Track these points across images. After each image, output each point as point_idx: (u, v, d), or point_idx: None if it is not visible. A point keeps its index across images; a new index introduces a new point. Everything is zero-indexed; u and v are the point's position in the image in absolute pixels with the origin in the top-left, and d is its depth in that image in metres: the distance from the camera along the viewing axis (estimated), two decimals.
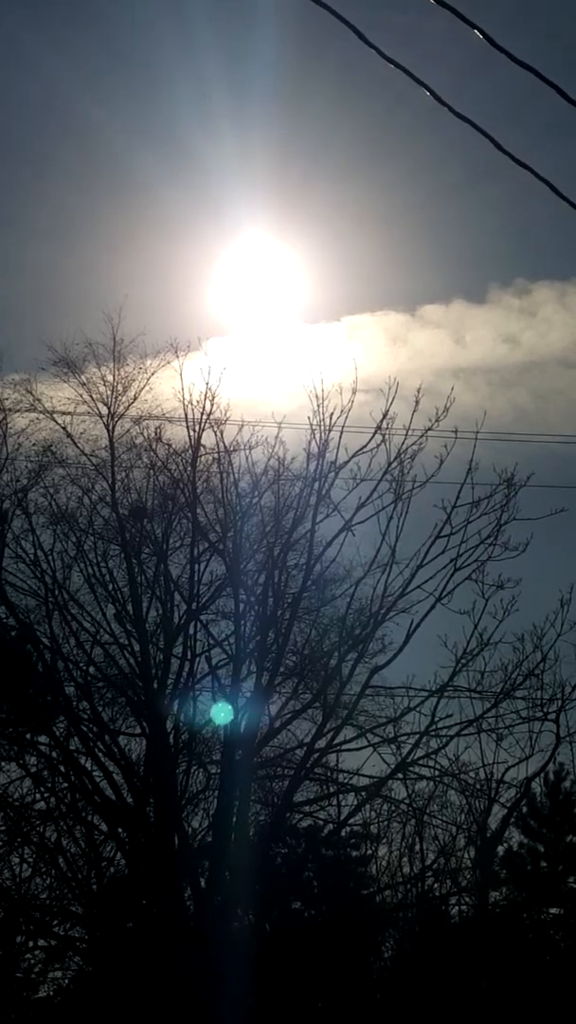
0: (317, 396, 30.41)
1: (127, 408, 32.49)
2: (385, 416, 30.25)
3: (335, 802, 34.39)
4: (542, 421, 65.41)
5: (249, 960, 29.23)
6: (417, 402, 30.44)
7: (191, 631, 31.54)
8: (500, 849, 38.81)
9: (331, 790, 33.48)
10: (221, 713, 30.44)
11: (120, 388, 32.53)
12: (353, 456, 30.27)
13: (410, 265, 65.22)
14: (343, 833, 35.52)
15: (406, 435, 30.32)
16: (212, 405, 30.79)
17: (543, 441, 40.65)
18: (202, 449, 31.14)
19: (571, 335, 66.89)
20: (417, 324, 60.06)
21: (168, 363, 32.20)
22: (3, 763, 31.47)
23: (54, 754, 31.43)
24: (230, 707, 30.30)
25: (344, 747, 31.72)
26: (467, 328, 62.80)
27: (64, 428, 32.66)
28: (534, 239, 68.44)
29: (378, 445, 30.30)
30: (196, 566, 31.44)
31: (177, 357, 31.95)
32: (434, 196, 65.10)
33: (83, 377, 32.67)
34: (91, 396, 32.50)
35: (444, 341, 60.51)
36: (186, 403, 30.96)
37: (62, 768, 31.26)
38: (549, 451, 39.65)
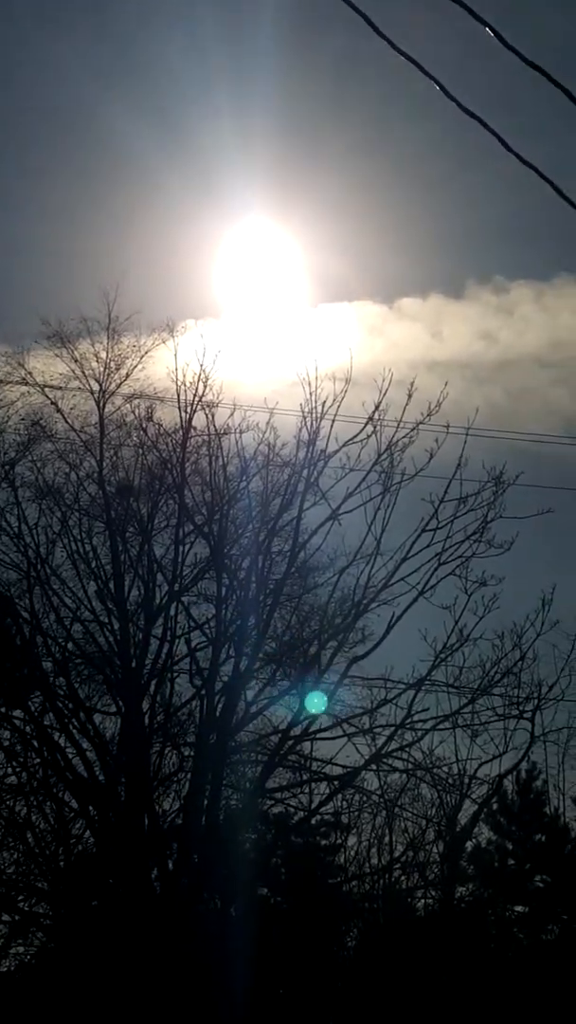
0: (309, 384, 30.35)
1: (119, 386, 32.43)
2: (377, 407, 30.20)
3: (307, 790, 34.44)
4: (515, 419, 65.83)
5: (213, 944, 29.24)
6: (409, 395, 30.38)
7: (172, 612, 31.49)
8: (469, 845, 38.93)
9: (304, 778, 33.50)
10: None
11: (113, 366, 32.46)
12: (344, 445, 30.20)
13: (389, 257, 65.25)
14: (313, 821, 35.56)
15: (397, 427, 30.28)
16: (205, 387, 30.72)
17: (515, 439, 40.47)
18: (192, 431, 31.07)
19: (548, 335, 67.03)
20: (394, 316, 60.12)
21: (162, 343, 32.14)
22: None
23: (28, 729, 31.36)
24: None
25: (319, 736, 31.71)
26: (444, 323, 62.91)
27: (54, 403, 32.55)
28: (513, 237, 68.64)
29: (368, 436, 30.26)
30: (180, 547, 31.38)
31: (172, 337, 31.87)
32: (417, 189, 65.33)
33: (76, 353, 32.56)
34: (83, 372, 32.41)
35: (420, 334, 60.60)
36: (179, 384, 30.90)
37: (35, 743, 31.20)
38: (520, 449, 39.61)
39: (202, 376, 30.61)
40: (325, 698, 30.50)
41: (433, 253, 66.47)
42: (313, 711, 30.62)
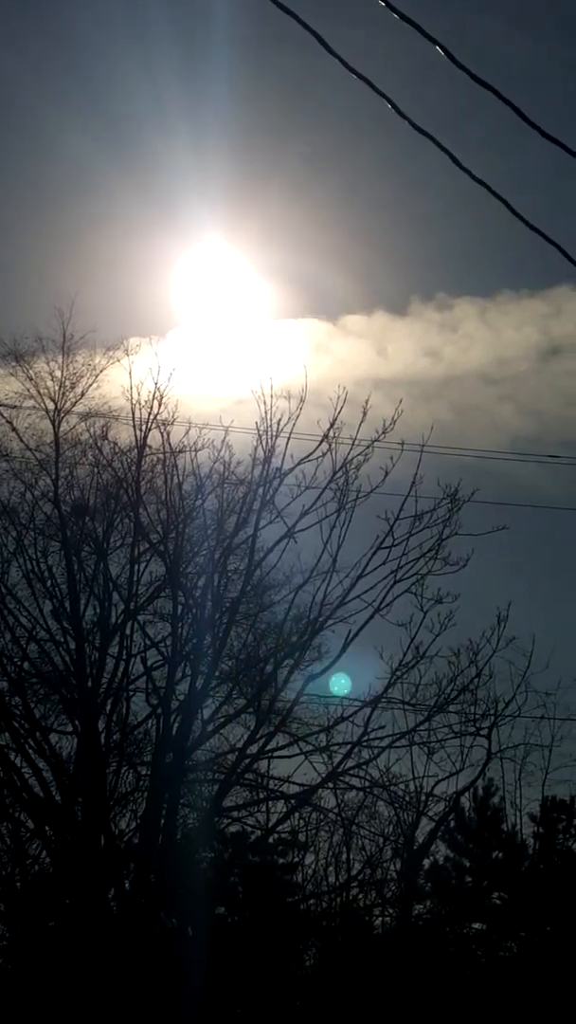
0: (263, 401, 30.39)
1: (74, 404, 32.39)
2: (332, 425, 30.25)
3: (264, 809, 34.40)
4: (462, 436, 66.20)
5: (170, 964, 29.17)
6: (364, 413, 30.45)
7: (128, 631, 31.41)
8: (426, 862, 38.95)
9: (260, 796, 33.45)
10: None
11: (68, 384, 32.42)
12: (299, 463, 30.23)
13: (333, 274, 65.59)
14: (271, 840, 35.50)
15: (352, 445, 30.34)
16: (160, 406, 30.71)
17: (467, 456, 40.74)
18: (147, 449, 31.03)
19: (491, 352, 67.63)
20: (339, 333, 60.43)
21: (117, 361, 32.13)
22: None
23: None
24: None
25: (276, 754, 31.66)
26: (389, 340, 63.26)
27: (9, 422, 32.50)
28: (456, 255, 69.33)
29: (323, 454, 30.30)
30: (136, 566, 31.33)
31: (127, 355, 31.87)
32: (362, 208, 65.65)
33: (31, 371, 32.51)
34: (38, 391, 32.35)
35: (366, 352, 60.93)
36: (134, 402, 30.86)
37: None
38: (468, 466, 39.84)
39: (156, 394, 30.63)
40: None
41: (377, 270, 67.00)
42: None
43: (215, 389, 36.48)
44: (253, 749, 30.92)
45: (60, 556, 31.71)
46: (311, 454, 30.25)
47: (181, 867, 30.26)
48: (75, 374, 32.48)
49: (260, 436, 30.43)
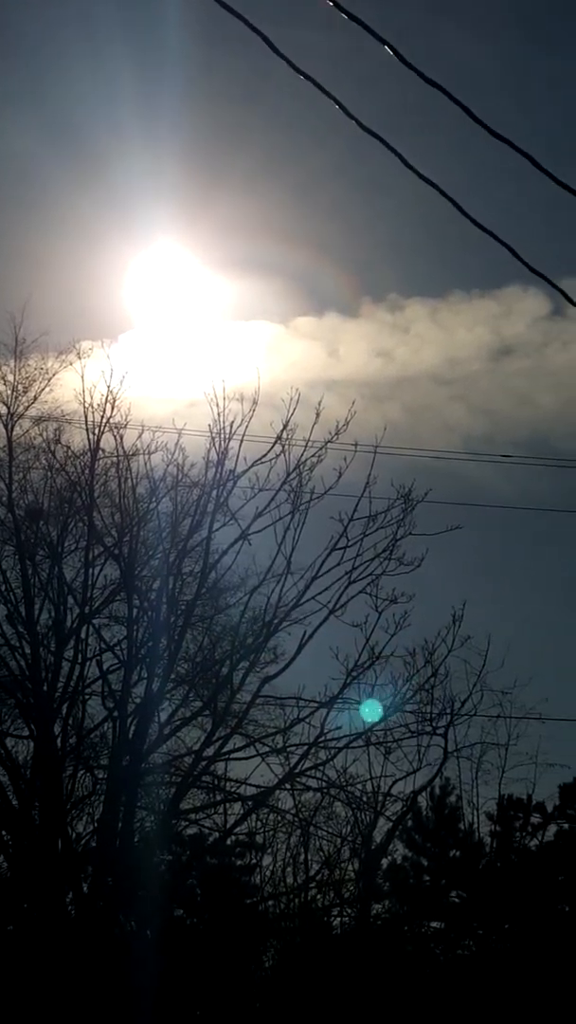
0: (216, 404, 30.42)
1: (27, 408, 32.30)
2: (285, 427, 30.32)
3: (222, 811, 34.40)
4: (414, 436, 66.48)
5: (129, 967, 29.15)
6: (318, 415, 30.54)
7: (83, 635, 31.36)
8: (384, 862, 39.07)
9: (218, 798, 33.46)
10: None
11: (21, 388, 32.31)
12: (252, 465, 30.29)
13: (285, 277, 65.79)
14: (228, 842, 35.53)
15: (305, 447, 30.41)
16: (113, 409, 30.68)
17: (421, 456, 40.91)
18: (101, 453, 31.01)
19: (443, 352, 67.97)
20: (290, 335, 60.59)
21: (70, 365, 32.07)
22: None
23: None
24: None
25: (233, 756, 31.68)
26: (340, 341, 63.48)
27: None
28: (407, 256, 69.63)
29: (277, 456, 30.37)
30: (91, 570, 31.28)
31: (79, 359, 31.82)
32: (313, 210, 65.87)
33: None
34: None
35: (318, 353, 61.13)
36: (87, 406, 30.82)
37: None
38: (421, 466, 40.00)
39: (109, 398, 30.60)
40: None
41: (328, 272, 67.22)
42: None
43: (168, 392, 36.56)
44: (210, 751, 30.92)
45: (14, 560, 31.63)
46: (264, 456, 30.34)
47: (139, 870, 30.24)
48: (28, 378, 32.43)
49: (213, 439, 30.49)
